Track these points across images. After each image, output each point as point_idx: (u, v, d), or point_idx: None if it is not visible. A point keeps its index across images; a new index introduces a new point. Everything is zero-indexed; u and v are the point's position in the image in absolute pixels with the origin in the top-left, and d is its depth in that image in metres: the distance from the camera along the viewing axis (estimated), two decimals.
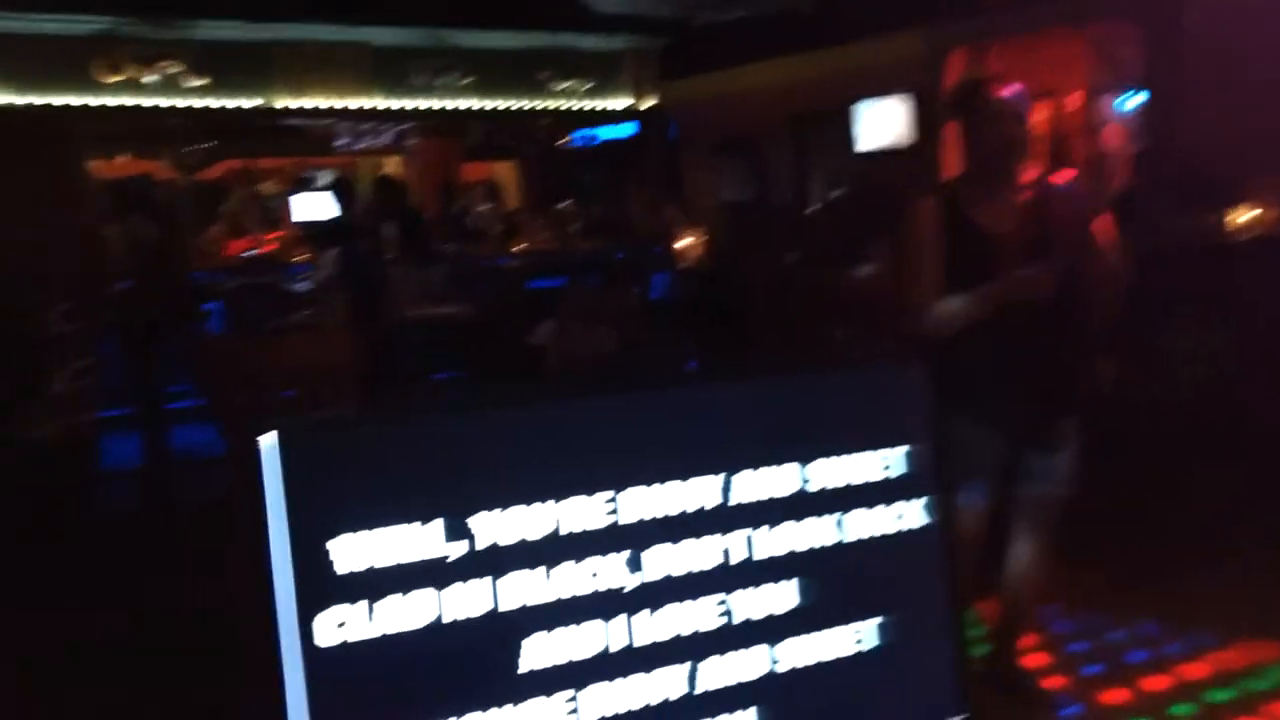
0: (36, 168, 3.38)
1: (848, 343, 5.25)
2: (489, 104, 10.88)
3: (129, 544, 3.91)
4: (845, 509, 2.19)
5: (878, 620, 2.21)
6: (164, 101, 9.45)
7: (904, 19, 8.60)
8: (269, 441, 1.69)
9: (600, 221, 9.80)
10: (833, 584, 2.16)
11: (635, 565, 1.96)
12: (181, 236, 6.95)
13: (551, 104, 11.26)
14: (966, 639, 2.93)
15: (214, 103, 9.64)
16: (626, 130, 11.81)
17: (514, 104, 11.03)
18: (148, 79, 9.35)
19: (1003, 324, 2.82)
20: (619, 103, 11.59)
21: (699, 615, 2.02)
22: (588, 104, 11.43)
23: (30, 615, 2.85)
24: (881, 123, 9.39)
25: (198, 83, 9.55)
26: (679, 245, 7.65)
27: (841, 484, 2.18)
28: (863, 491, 2.20)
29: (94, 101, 9.16)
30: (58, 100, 9.00)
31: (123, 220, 6.02)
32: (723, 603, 2.04)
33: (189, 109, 9.56)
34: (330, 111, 10.21)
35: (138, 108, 9.34)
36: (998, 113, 2.90)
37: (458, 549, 1.80)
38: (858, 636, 2.19)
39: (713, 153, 10.49)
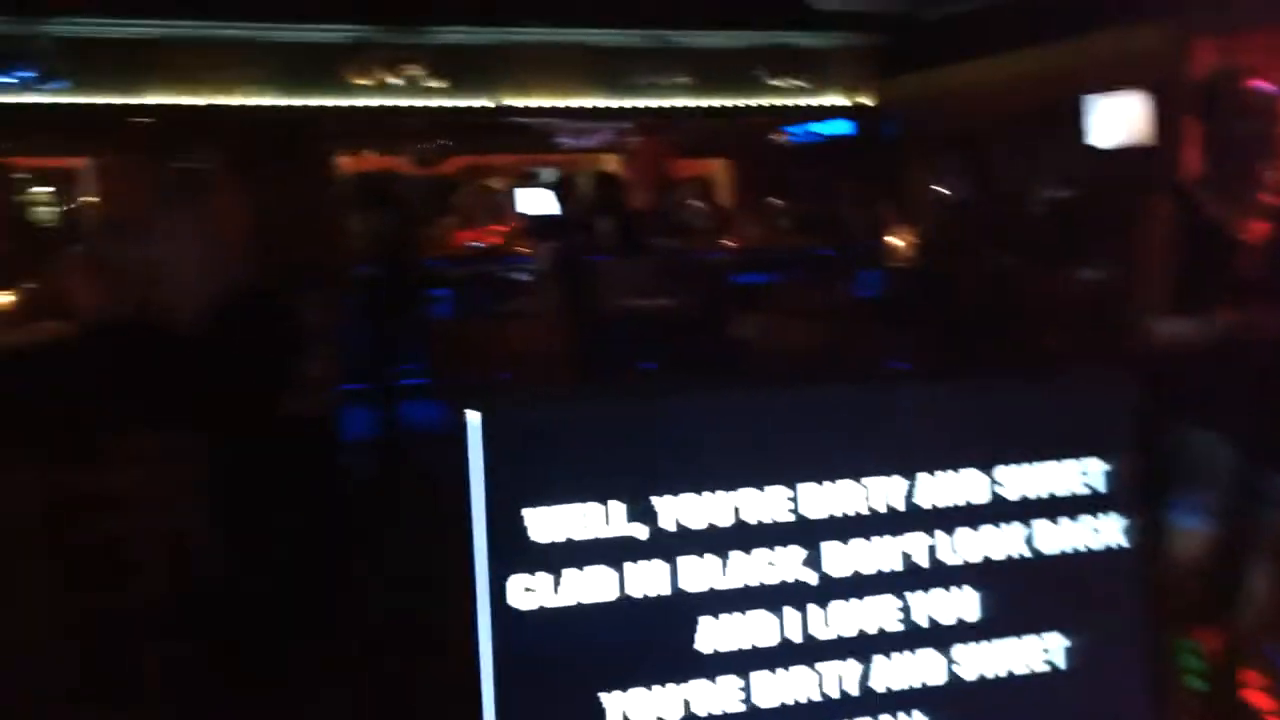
0: (292, 164, 3.73)
1: (1060, 348, 5.05)
2: (706, 102, 11.03)
3: (366, 508, 4.35)
4: (1038, 520, 2.11)
5: (1066, 638, 2.12)
6: (405, 102, 10.15)
7: (1143, 8, 8.11)
8: (476, 416, 1.82)
9: (811, 218, 9.75)
10: (1019, 596, 2.09)
11: (816, 559, 1.98)
12: (417, 228, 7.45)
13: (768, 101, 11.29)
14: (1175, 667, 2.79)
15: (449, 103, 10.27)
16: (842, 127, 11.68)
17: (730, 102, 11.14)
18: (392, 81, 10.08)
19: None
20: (836, 100, 11.49)
21: (875, 615, 2.01)
22: (804, 101, 11.40)
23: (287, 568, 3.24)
24: (1117, 118, 8.89)
25: (435, 84, 10.20)
26: (891, 243, 7.53)
27: (1035, 494, 2.11)
28: (1058, 503, 2.12)
29: (344, 103, 9.96)
30: (312, 101, 9.83)
31: (366, 212, 6.55)
32: (902, 605, 2.03)
33: (427, 109, 10.23)
34: (554, 110, 10.66)
35: (381, 108, 10.09)
36: (1247, 108, 2.74)
37: (642, 530, 1.87)
38: (1044, 653, 2.11)
39: (933, 150, 10.22)
